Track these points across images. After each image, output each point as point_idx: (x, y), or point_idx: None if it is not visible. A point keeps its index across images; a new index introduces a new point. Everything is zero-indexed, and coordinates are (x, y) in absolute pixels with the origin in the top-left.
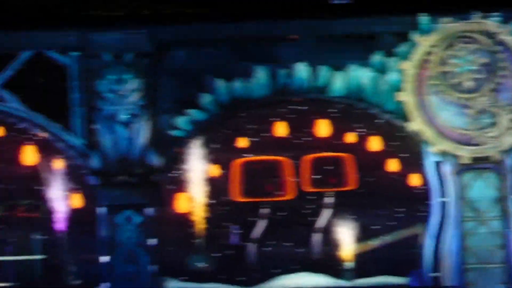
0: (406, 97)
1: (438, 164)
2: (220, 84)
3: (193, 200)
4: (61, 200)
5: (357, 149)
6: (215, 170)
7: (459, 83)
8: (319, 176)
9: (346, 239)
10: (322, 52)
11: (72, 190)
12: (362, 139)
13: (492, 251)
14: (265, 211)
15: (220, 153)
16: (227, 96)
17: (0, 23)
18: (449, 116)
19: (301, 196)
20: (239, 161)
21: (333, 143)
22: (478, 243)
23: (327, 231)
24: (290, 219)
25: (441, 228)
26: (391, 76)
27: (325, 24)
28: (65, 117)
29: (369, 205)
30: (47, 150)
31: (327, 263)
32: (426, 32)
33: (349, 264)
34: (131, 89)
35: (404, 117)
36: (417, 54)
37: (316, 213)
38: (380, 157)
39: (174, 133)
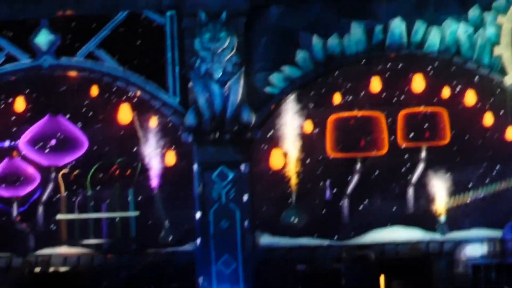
0: (503, 51)
1: None
2: (316, 41)
3: (287, 156)
4: (156, 158)
5: (453, 104)
6: (309, 127)
7: None
8: (413, 131)
9: (440, 193)
10: (419, 7)
11: (167, 148)
12: (458, 94)
13: None
14: (359, 166)
15: (314, 109)
16: (322, 53)
17: None
18: None
19: (395, 151)
20: (334, 117)
21: (428, 98)
22: None
23: (420, 185)
24: (384, 174)
25: None
26: (488, 31)
27: None
28: (160, 76)
29: (463, 160)
30: (143, 109)
31: (421, 217)
32: None
33: (442, 218)
34: (227, 48)
35: (501, 71)
36: None
37: (410, 168)
38: (475, 112)
39: (268, 90)
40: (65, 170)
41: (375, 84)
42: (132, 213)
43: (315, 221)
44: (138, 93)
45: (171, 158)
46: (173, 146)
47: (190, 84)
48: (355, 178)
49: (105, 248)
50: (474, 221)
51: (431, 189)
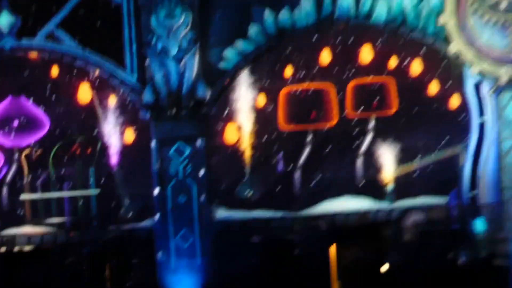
0: (447, 20)
1: (477, 85)
2: (267, 14)
3: (241, 130)
4: (116, 136)
5: (399, 73)
6: (263, 100)
7: (496, 3)
8: (362, 102)
9: (388, 163)
10: None
11: (126, 125)
12: (404, 63)
13: None
14: (310, 138)
15: (267, 83)
16: (274, 26)
17: None
18: (489, 36)
19: (344, 122)
20: (285, 90)
21: (377, 69)
22: None
23: (369, 155)
24: (334, 145)
25: (480, 148)
26: (433, 0)
27: None
28: (118, 54)
29: (410, 129)
30: (102, 87)
31: (369, 186)
32: None
33: (390, 186)
34: (182, 24)
35: (445, 40)
36: None
37: (359, 138)
38: (422, 81)
39: (222, 65)
40: (27, 151)
41: (325, 57)
42: (93, 191)
43: (268, 194)
44: (97, 72)
45: (130, 135)
46: (132, 124)
47: (147, 62)
48: (306, 149)
49: (68, 226)
50: (421, 189)
51: (379, 159)
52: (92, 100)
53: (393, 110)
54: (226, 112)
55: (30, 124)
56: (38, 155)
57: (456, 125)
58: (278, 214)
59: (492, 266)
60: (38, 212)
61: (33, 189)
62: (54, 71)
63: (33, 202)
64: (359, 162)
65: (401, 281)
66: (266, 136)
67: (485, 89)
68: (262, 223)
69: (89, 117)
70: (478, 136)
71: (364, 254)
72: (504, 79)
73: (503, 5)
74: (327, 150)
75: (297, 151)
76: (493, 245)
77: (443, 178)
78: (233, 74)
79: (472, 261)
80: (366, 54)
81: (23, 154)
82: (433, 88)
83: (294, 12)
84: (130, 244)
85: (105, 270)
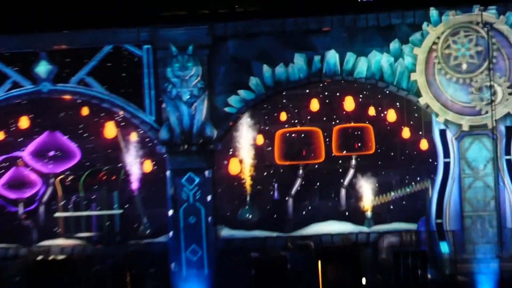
0: (418, 77)
1: (443, 131)
2: (266, 69)
3: (243, 163)
4: (136, 166)
5: (377, 120)
6: (261, 139)
7: (458, 65)
8: (345, 143)
9: (367, 194)
10: (349, 41)
11: (145, 157)
12: (381, 112)
13: (485, 201)
14: (301, 172)
15: (265, 125)
16: (271, 79)
17: (86, 22)
18: (452, 92)
19: (330, 159)
20: (280, 131)
21: (357, 116)
22: (474, 195)
23: (351, 187)
24: (322, 178)
25: (445, 183)
26: (406, 60)
27: (352, 18)
28: (139, 98)
29: (386, 166)
30: (125, 126)
31: (351, 213)
32: (435, 23)
33: (369, 214)
34: (193, 75)
35: (416, 94)
36: (427, 41)
37: (343, 173)
38: (396, 127)
39: (227, 110)
40: (61, 176)
41: (314, 105)
42: (117, 211)
43: (265, 217)
44: (121, 113)
45: (148, 166)
46: (150, 156)
47: (163, 105)
48: (298, 181)
49: (95, 240)
50: (394, 216)
51: (359, 190)
52: (116, 136)
53: (372, 151)
54: (230, 148)
55: (63, 155)
56: (70, 180)
57: (425, 164)
58: (273, 234)
59: (455, 283)
60: (70, 228)
61: (65, 209)
62: (85, 111)
63: (66, 219)
64: (343, 193)
65: None
66: (263, 169)
67: (450, 135)
68: (260, 241)
69: (114, 150)
70: (443, 173)
71: (346, 270)
72: (465, 127)
73: (464, 67)
74: (315, 183)
75: (290, 183)
76: (456, 265)
77: (413, 208)
78: (236, 117)
79: (438, 278)
80: (349, 104)
81: (58, 179)
82: (406, 133)
83: (288, 67)
84: (148, 256)
85: (126, 278)
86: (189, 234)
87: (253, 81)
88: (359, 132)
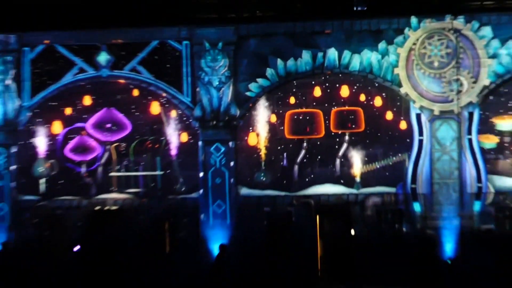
0: (400, 71)
1: (418, 115)
2: (279, 62)
3: (259, 137)
4: (175, 137)
5: (367, 105)
6: (274, 118)
7: (431, 62)
8: (340, 123)
9: (357, 163)
10: (346, 41)
11: (182, 130)
12: (370, 98)
13: (450, 171)
14: (305, 144)
15: (277, 107)
16: (283, 70)
17: (138, 21)
18: (427, 84)
19: (329, 135)
20: (290, 112)
21: (351, 101)
22: (441, 166)
23: (345, 157)
24: (321, 150)
25: (419, 156)
26: (391, 58)
27: (349, 23)
28: (178, 83)
29: (373, 142)
30: (166, 105)
31: (344, 178)
32: (414, 28)
33: (358, 179)
34: (221, 66)
35: (398, 84)
36: (408, 43)
37: (338, 147)
38: (381, 110)
39: (248, 94)
40: (116, 144)
41: (317, 91)
42: (159, 172)
43: (276, 180)
44: (164, 95)
45: (184, 137)
46: (186, 129)
47: (198, 89)
48: (303, 152)
49: (141, 195)
50: (378, 181)
51: (351, 160)
52: (160, 113)
53: (362, 129)
54: (249, 125)
55: (118, 127)
56: (123, 147)
57: (404, 141)
58: (282, 193)
59: (425, 235)
60: (121, 185)
61: (118, 170)
62: (135, 92)
63: (118, 178)
64: (338, 162)
65: (363, 243)
66: (275, 142)
67: (424, 118)
68: (271, 199)
69: (158, 124)
70: (417, 148)
71: (339, 223)
72: (436, 112)
73: (436, 64)
74: (316, 154)
75: (296, 153)
76: (426, 221)
77: (393, 175)
78: (254, 100)
79: (411, 231)
80: (344, 91)
81: (113, 146)
82: (389, 116)
83: (297, 61)
84: (182, 209)
85: (165, 226)
86: (215, 191)
87: (269, 71)
88: (352, 116)
